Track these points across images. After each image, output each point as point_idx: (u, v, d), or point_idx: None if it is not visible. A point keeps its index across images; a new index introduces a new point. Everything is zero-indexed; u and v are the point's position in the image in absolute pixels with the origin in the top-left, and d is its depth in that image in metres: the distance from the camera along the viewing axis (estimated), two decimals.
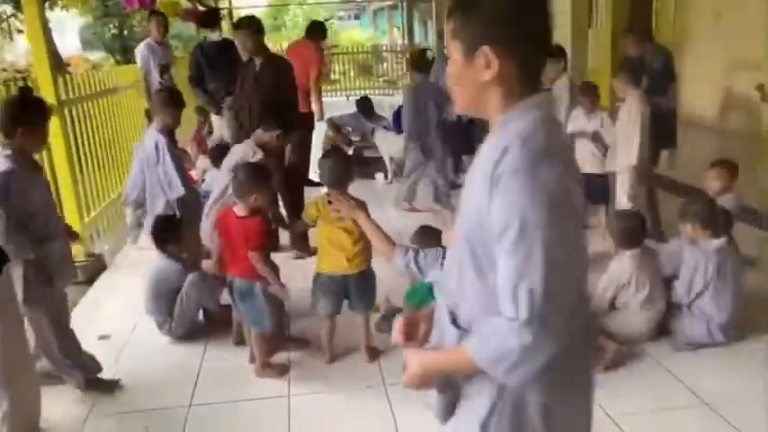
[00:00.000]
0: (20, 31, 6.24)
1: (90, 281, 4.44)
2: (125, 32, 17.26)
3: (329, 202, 2.90)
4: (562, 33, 7.57)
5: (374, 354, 3.27)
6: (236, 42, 4.90)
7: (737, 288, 3.24)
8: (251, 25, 4.56)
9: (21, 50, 19.56)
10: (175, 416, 2.86)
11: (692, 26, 8.02)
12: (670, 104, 4.65)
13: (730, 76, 8.49)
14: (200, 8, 12.07)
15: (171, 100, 3.85)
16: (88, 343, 3.19)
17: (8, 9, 12.52)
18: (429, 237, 3.12)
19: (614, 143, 4.38)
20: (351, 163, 3.36)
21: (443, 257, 1.61)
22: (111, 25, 17.17)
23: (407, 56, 12.39)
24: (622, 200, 4.19)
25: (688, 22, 6.76)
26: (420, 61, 5.91)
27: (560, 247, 1.12)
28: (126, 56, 17.14)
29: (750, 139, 6.05)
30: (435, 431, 1.42)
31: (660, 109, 4.48)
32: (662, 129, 4.52)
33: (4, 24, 12.49)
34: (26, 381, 2.66)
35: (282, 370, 3.21)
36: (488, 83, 1.22)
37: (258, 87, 4.52)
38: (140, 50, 6.57)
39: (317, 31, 6.51)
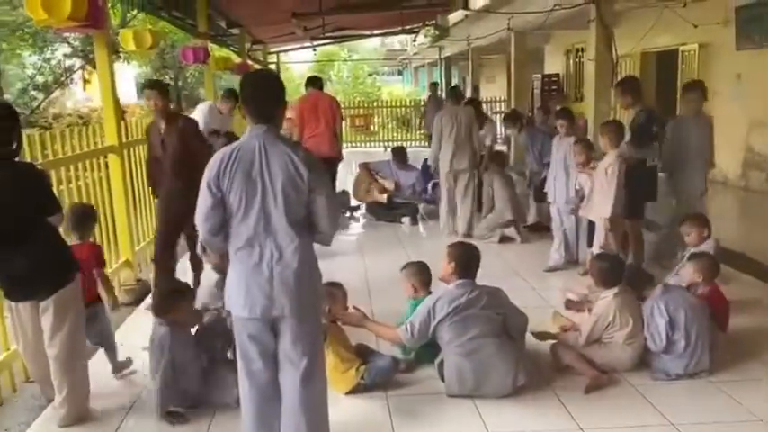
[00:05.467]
0: (86, 81, 7.02)
1: (137, 302, 4.99)
2: (179, 83, 18.47)
3: (333, 321, 3.50)
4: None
5: None
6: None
7: (707, 329, 3.55)
8: (158, 86, 4.70)
9: (79, 97, 21.17)
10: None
11: (715, 87, 8.41)
12: (653, 161, 5.02)
13: (750, 135, 8.83)
14: (250, 63, 13.02)
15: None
16: (134, 353, 3.77)
17: (77, 62, 13.71)
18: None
19: (590, 193, 4.93)
20: None
21: None
22: (166, 76, 18.41)
23: None
24: (596, 246, 4.76)
25: (710, 83, 7.15)
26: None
27: None
28: (179, 105, 18.36)
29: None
30: None
31: (640, 163, 4.90)
32: (644, 183, 4.95)
33: (74, 75, 13.63)
34: (82, 370, 3.19)
35: None
36: None
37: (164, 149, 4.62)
38: (201, 109, 6.93)
39: (315, 83, 7.19)
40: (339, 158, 7.01)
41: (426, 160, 8.10)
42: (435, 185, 7.87)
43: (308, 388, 2.56)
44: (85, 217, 3.78)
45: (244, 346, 2.56)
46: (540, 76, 15.80)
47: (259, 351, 2.54)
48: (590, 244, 5.11)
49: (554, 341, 3.73)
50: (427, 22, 15.55)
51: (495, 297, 3.47)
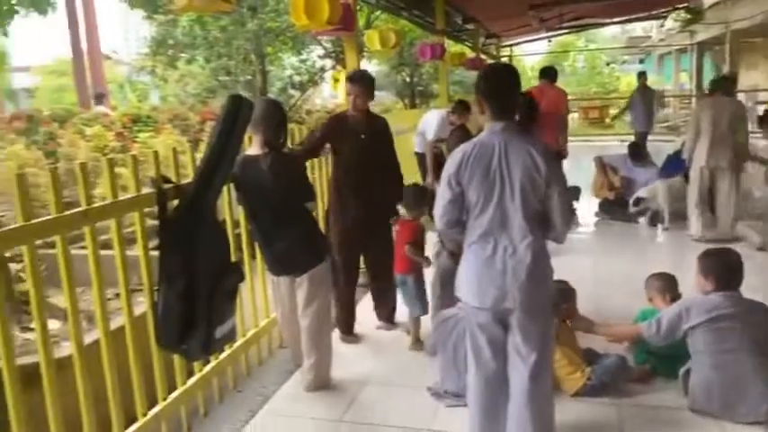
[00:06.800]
0: (336, 81, 7.71)
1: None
2: (414, 79, 19.26)
3: (564, 320, 3.42)
4: None
5: None
6: None
7: None
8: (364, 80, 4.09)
9: (326, 95, 23.32)
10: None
11: None
12: None
13: None
14: (483, 57, 13.13)
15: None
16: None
17: (328, 63, 15.08)
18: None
19: None
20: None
21: None
22: (403, 72, 19.33)
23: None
24: None
25: None
26: None
27: None
28: (413, 100, 19.19)
29: None
30: None
31: None
32: None
33: (326, 74, 15.03)
34: (327, 342, 3.54)
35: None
36: None
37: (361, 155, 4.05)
38: (434, 120, 6.74)
39: (546, 74, 6.94)
40: (562, 155, 6.64)
41: (669, 156, 7.45)
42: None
43: (536, 383, 2.54)
44: (417, 197, 4.00)
45: (473, 335, 2.62)
46: None
47: (487, 340, 2.58)
48: None
49: None
50: (678, 6, 14.25)
51: (761, 313, 3.10)
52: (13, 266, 3.71)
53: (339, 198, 4.07)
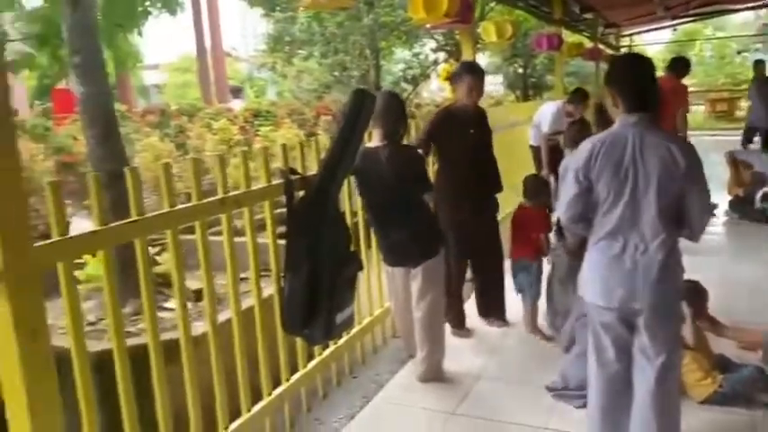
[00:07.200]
0: (447, 74, 7.77)
1: None
2: (528, 70, 18.85)
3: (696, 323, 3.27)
4: None
5: None
6: None
7: None
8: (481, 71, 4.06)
9: (432, 87, 23.36)
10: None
11: None
12: None
13: None
14: (602, 47, 12.62)
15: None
16: None
17: (441, 56, 15.10)
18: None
19: None
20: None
21: None
22: (515, 64, 18.96)
23: None
24: None
25: None
26: None
27: None
28: (526, 92, 18.78)
29: None
30: None
31: None
32: None
33: (438, 67, 15.06)
34: (440, 333, 3.57)
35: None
36: None
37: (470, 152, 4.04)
38: (549, 111, 6.59)
39: (673, 67, 6.50)
40: None
41: None
42: None
43: (663, 387, 2.43)
44: (539, 187, 4.17)
45: (596, 334, 2.55)
46: None
47: (611, 340, 2.50)
48: None
49: None
50: None
51: None
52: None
53: (447, 192, 4.04)
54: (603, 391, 2.57)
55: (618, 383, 2.54)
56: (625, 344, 2.50)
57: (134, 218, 2.21)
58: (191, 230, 2.59)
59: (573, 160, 2.48)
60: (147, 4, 6.07)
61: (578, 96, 6.46)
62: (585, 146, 2.44)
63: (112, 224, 2.13)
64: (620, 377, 2.53)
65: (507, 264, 4.22)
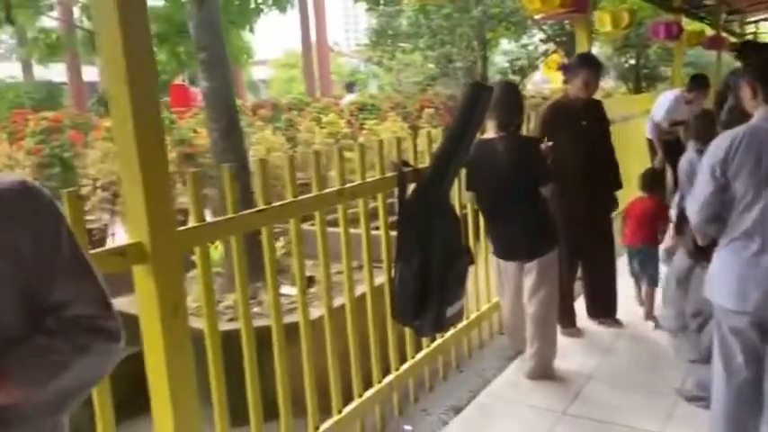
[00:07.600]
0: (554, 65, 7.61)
1: None
2: (640, 61, 17.98)
3: None
4: None
5: None
6: None
7: None
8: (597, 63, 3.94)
9: (536, 79, 22.81)
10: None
11: None
12: None
13: None
14: (725, 35, 11.83)
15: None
16: None
17: (550, 47, 14.74)
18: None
19: None
20: None
21: None
22: (627, 54, 18.12)
23: None
24: None
25: None
26: None
27: None
28: (638, 84, 17.92)
29: None
30: None
31: None
32: None
33: (546, 59, 14.74)
34: (552, 330, 3.52)
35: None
36: None
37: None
38: (668, 99, 6.24)
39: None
40: None
41: None
42: None
43: None
44: (656, 178, 4.33)
45: (724, 339, 2.41)
46: None
47: (741, 346, 2.35)
48: None
49: None
50: None
51: None
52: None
53: (558, 188, 3.94)
54: (730, 399, 2.43)
55: (746, 392, 2.39)
56: (756, 351, 2.35)
57: (262, 206, 2.33)
58: (303, 221, 2.69)
59: (707, 156, 2.35)
60: (260, 1, 6.32)
61: (698, 83, 6.07)
62: (723, 141, 2.30)
63: (243, 212, 2.25)
64: (749, 386, 2.38)
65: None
